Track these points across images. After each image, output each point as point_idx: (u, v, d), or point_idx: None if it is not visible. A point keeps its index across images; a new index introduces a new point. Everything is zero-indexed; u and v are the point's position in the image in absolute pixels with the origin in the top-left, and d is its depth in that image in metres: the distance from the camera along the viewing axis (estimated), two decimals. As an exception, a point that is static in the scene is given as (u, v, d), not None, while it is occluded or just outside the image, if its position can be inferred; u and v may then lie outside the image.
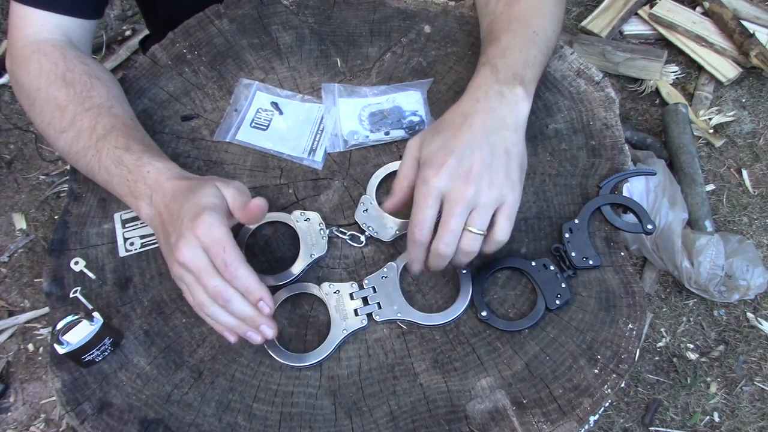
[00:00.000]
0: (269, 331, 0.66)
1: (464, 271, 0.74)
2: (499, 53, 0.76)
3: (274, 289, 0.74)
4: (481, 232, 0.67)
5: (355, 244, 0.78)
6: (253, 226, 0.79)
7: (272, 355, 0.71)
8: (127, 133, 0.76)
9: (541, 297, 0.73)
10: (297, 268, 0.76)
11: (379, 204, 0.79)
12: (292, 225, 0.78)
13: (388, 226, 0.78)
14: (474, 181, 0.67)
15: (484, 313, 0.72)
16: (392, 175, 0.81)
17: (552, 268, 0.74)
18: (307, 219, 0.78)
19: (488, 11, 0.85)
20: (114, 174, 0.73)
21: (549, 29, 0.81)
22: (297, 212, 0.79)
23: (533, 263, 0.75)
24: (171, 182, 0.70)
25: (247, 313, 0.65)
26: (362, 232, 0.79)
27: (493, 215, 0.68)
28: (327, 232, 0.78)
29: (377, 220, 0.78)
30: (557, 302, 0.73)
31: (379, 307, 0.73)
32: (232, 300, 0.64)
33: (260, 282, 0.65)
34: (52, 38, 0.82)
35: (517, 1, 0.82)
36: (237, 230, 0.78)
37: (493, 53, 0.77)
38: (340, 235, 0.78)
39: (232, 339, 0.68)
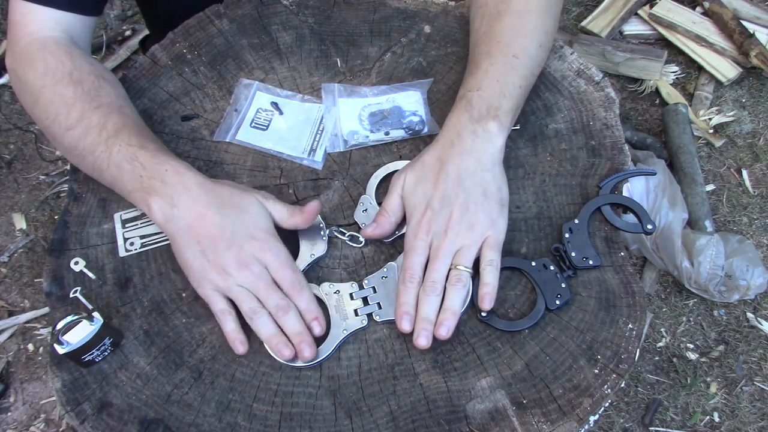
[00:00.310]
0: (308, 350, 0.69)
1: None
2: (475, 85, 0.78)
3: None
4: (467, 269, 0.72)
5: (355, 245, 0.78)
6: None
7: (272, 355, 0.71)
8: (140, 132, 0.76)
9: (541, 297, 0.73)
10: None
11: (379, 204, 0.79)
12: (292, 225, 0.78)
13: (388, 226, 0.78)
14: (453, 228, 0.72)
15: (484, 313, 0.72)
16: (392, 175, 0.81)
17: (552, 268, 0.74)
18: (307, 219, 0.78)
19: (473, 30, 0.86)
20: (125, 170, 0.73)
21: (533, 48, 0.81)
22: (297, 212, 0.79)
23: (533, 263, 0.75)
24: (197, 181, 0.72)
25: (298, 329, 0.70)
26: (362, 232, 0.79)
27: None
28: (327, 232, 0.78)
29: (377, 220, 0.78)
30: (557, 302, 0.73)
31: (380, 307, 0.73)
32: (290, 314, 0.70)
33: (317, 304, 0.72)
34: (54, 35, 0.82)
35: (499, 19, 0.82)
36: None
37: (471, 85, 0.78)
38: (340, 236, 0.78)
39: (242, 349, 0.71)
